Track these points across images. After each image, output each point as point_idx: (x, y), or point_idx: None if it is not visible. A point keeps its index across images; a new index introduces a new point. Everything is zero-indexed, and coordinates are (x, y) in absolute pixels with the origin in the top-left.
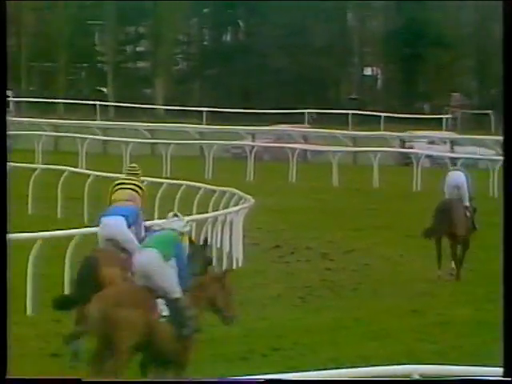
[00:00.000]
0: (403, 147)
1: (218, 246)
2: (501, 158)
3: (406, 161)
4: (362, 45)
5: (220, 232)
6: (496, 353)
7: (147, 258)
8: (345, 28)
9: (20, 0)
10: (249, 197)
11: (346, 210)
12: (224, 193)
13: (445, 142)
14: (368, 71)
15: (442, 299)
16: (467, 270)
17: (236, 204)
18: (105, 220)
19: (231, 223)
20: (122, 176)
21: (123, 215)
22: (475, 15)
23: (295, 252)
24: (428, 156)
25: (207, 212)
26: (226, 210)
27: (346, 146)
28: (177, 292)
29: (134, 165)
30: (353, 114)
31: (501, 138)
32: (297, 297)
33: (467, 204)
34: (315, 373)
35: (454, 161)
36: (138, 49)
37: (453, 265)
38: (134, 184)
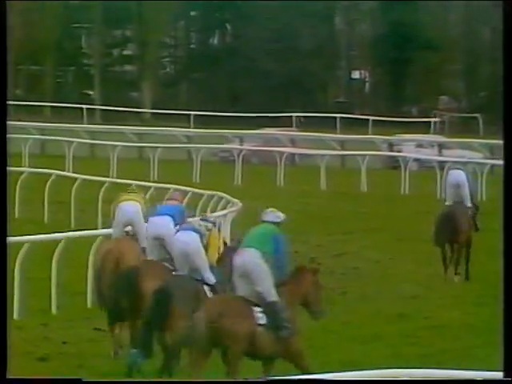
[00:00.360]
0: (391, 151)
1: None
2: (488, 161)
3: (394, 164)
4: (349, 48)
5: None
6: (483, 357)
7: (247, 259)
8: (333, 31)
9: (20, 0)
10: (236, 200)
11: (335, 213)
12: (212, 196)
13: (433, 146)
14: (356, 74)
15: (431, 303)
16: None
17: (224, 208)
18: (152, 219)
19: (219, 227)
20: (110, 180)
21: (170, 214)
22: (463, 18)
23: None
24: (416, 159)
25: (194, 216)
26: (213, 214)
27: (334, 149)
28: (273, 295)
29: (133, 187)
30: (341, 117)
31: (489, 141)
32: None
33: (469, 204)
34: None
35: (442, 164)
36: (124, 52)
37: (457, 269)
38: (136, 196)
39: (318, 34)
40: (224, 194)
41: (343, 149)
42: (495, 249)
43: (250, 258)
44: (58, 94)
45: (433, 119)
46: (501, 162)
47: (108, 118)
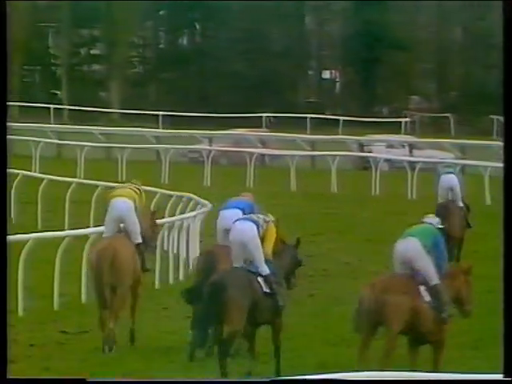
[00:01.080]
0: (362, 151)
1: (175, 251)
2: (459, 161)
3: (365, 165)
4: (320, 48)
5: (176, 238)
6: (455, 358)
7: (410, 246)
8: (303, 31)
9: (20, 0)
10: (206, 202)
11: (304, 214)
12: (181, 198)
13: (403, 146)
14: (326, 74)
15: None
16: None
17: (193, 209)
18: (223, 213)
19: (188, 229)
20: (77, 180)
21: (240, 208)
22: (434, 17)
23: None
24: (387, 160)
25: (163, 217)
26: (182, 216)
27: (305, 150)
28: (436, 279)
29: (134, 182)
30: (311, 117)
31: (460, 141)
32: None
33: (461, 205)
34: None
35: (412, 165)
36: (92, 51)
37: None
38: (133, 186)
39: (288, 34)
40: (193, 196)
41: (313, 149)
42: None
43: (412, 245)
44: (25, 93)
45: (404, 119)
46: (471, 162)
47: (76, 117)
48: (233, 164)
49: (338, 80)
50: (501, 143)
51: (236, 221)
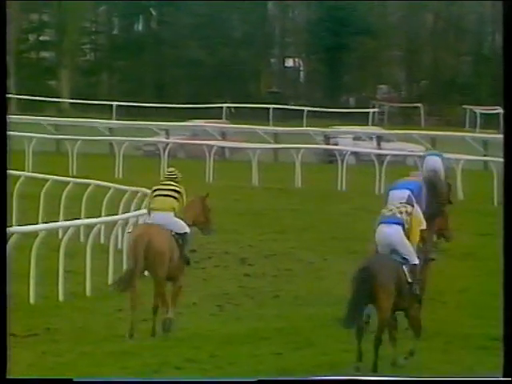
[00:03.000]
0: (327, 144)
1: None
2: None
3: (331, 158)
4: (283, 35)
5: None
6: (422, 363)
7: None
8: (265, 17)
9: (20, 0)
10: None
11: (267, 211)
12: (135, 193)
13: (371, 138)
14: (290, 63)
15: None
16: None
17: None
18: (392, 193)
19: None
20: (25, 173)
21: (409, 188)
22: (404, 2)
23: (212, 257)
24: (353, 153)
25: (117, 213)
26: (137, 212)
27: (267, 142)
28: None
29: (171, 169)
30: (274, 108)
31: (430, 132)
32: (214, 305)
33: (443, 185)
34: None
35: (380, 158)
36: (41, 38)
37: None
38: (173, 190)
39: (249, 19)
40: (149, 191)
41: (276, 142)
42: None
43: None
44: None
45: (371, 110)
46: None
47: (23, 107)
48: (191, 157)
49: (301, 69)
50: (474, 134)
51: (381, 223)
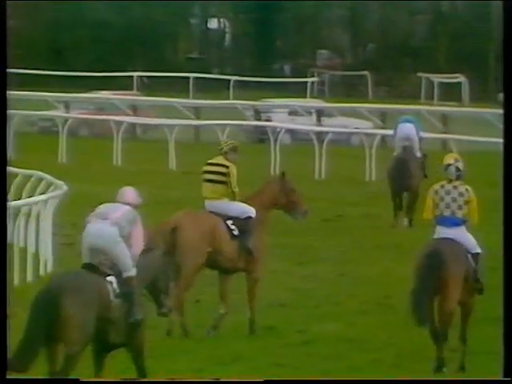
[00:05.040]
0: (258, 119)
1: (22, 244)
2: (379, 131)
3: (262, 136)
4: None
5: (23, 227)
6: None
7: None
8: None
9: (20, 0)
10: (60, 183)
11: (187, 199)
12: (29, 177)
13: (310, 113)
14: (213, 24)
15: (305, 312)
16: (337, 273)
17: (44, 192)
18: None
19: (38, 216)
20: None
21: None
22: None
23: None
24: (289, 130)
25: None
26: (31, 199)
27: (187, 118)
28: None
29: (224, 141)
30: (194, 77)
31: (379, 105)
32: None
33: (419, 155)
34: None
35: (320, 136)
36: None
37: (410, 215)
38: (218, 172)
39: None
40: (44, 174)
41: (198, 117)
42: (386, 242)
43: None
44: None
45: (310, 79)
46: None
47: None
48: (95, 135)
49: (227, 30)
50: (431, 108)
51: (438, 224)
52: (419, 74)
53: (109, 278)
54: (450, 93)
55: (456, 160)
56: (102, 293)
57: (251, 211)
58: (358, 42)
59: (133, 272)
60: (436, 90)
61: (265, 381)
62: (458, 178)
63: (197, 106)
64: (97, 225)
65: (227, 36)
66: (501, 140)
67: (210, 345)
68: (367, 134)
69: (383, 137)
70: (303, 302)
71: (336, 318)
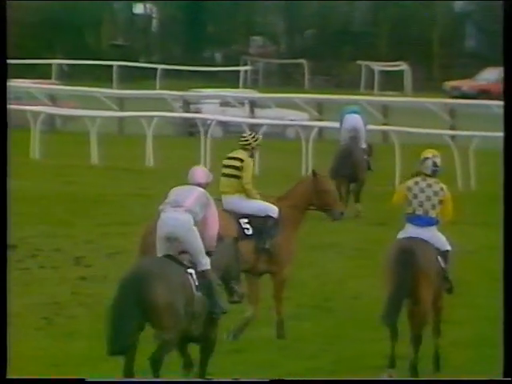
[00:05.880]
0: (187, 111)
1: None
2: (316, 123)
3: (191, 129)
4: None
5: None
6: None
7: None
8: None
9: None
10: None
11: (109, 196)
12: None
13: (242, 104)
14: (139, 8)
15: (235, 317)
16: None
17: None
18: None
19: None
20: None
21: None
22: None
23: (38, 255)
24: (220, 122)
25: None
26: None
27: (110, 109)
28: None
29: (245, 134)
30: (119, 66)
31: (316, 96)
32: (40, 317)
33: (364, 146)
34: None
35: (254, 128)
36: None
37: (358, 206)
38: (233, 166)
39: None
40: None
41: (122, 109)
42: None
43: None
44: None
45: (242, 68)
46: (331, 124)
47: None
48: (11, 127)
49: (154, 16)
50: (371, 98)
51: (409, 222)
52: (359, 62)
53: (189, 270)
54: (392, 82)
55: (434, 155)
56: (185, 284)
57: (272, 210)
58: (294, 28)
59: (208, 265)
60: (377, 79)
61: (270, 380)
62: (434, 173)
63: (121, 96)
64: (171, 214)
65: (154, 22)
66: (446, 132)
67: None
68: (303, 127)
69: (320, 129)
70: (233, 306)
71: (269, 323)
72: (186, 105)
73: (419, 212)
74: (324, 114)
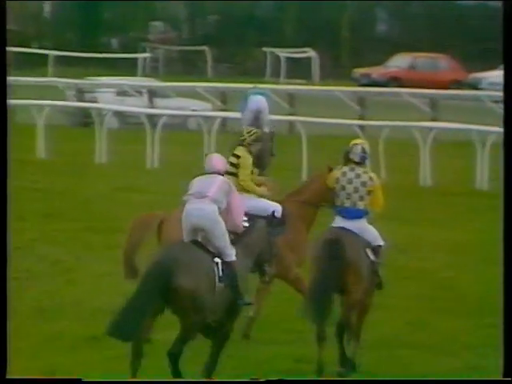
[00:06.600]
0: (81, 100)
1: None
2: (219, 113)
3: (87, 119)
4: None
5: None
6: None
7: None
8: None
9: (20, 0)
10: None
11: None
12: None
13: (141, 93)
14: None
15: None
16: None
17: None
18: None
19: None
20: None
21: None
22: None
23: None
24: (117, 113)
25: None
26: None
27: None
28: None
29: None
30: (9, 51)
31: (219, 84)
32: None
33: (267, 131)
34: None
35: (153, 119)
36: None
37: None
38: (230, 163)
39: None
40: None
41: (11, 97)
42: None
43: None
44: None
45: (141, 55)
46: (235, 115)
47: None
48: None
49: None
50: (276, 86)
51: (338, 215)
52: (264, 49)
53: (216, 260)
54: (299, 69)
55: (363, 142)
56: (209, 273)
57: (274, 209)
58: (196, 13)
59: (233, 256)
60: (283, 67)
61: (266, 381)
62: (363, 160)
63: (10, 83)
64: (196, 204)
65: (47, 5)
66: (355, 122)
67: (26, 354)
68: (206, 117)
69: (224, 120)
70: None
71: (168, 326)
72: (81, 93)
73: (347, 204)
74: (228, 103)
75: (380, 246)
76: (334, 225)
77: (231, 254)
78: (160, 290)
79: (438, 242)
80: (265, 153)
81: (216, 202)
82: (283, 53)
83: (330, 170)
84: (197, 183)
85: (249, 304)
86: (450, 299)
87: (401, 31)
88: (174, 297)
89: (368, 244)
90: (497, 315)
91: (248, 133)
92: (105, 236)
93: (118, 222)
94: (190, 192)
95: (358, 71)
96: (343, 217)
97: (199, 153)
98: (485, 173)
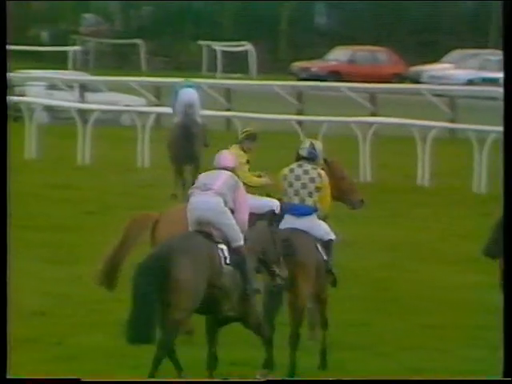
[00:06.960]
0: (12, 94)
1: None
2: (153, 108)
3: (16, 114)
4: None
5: None
6: None
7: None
8: None
9: (20, 0)
10: None
11: None
12: None
13: (72, 87)
14: None
15: (62, 321)
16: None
17: None
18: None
19: None
20: None
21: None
22: None
23: None
24: (47, 107)
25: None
26: None
27: None
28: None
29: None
30: None
31: (153, 79)
32: None
33: (199, 122)
34: None
35: (84, 114)
36: None
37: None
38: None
39: None
40: None
41: None
42: None
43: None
44: None
45: (72, 48)
46: (170, 110)
47: None
48: None
49: None
50: (210, 81)
51: (288, 213)
52: (200, 42)
53: (220, 246)
54: (236, 63)
55: (315, 140)
56: (212, 258)
57: (272, 205)
58: (129, 5)
59: (241, 242)
60: (219, 60)
61: (267, 381)
62: (311, 155)
63: None
64: (200, 197)
65: None
66: (293, 117)
67: None
68: (140, 113)
69: (158, 116)
70: (60, 309)
71: (101, 328)
72: (10, 88)
73: (295, 201)
74: (162, 98)
75: (331, 240)
76: (283, 224)
77: (239, 238)
78: (158, 277)
79: (376, 240)
80: (200, 142)
81: (221, 195)
82: (219, 46)
83: (327, 161)
84: (202, 177)
85: (258, 291)
86: (385, 300)
87: (341, 24)
88: (170, 283)
89: (319, 241)
90: (432, 315)
91: (242, 131)
92: (36, 234)
93: (49, 220)
94: (194, 186)
95: (297, 65)
96: (292, 214)
97: (133, 149)
98: (426, 169)
